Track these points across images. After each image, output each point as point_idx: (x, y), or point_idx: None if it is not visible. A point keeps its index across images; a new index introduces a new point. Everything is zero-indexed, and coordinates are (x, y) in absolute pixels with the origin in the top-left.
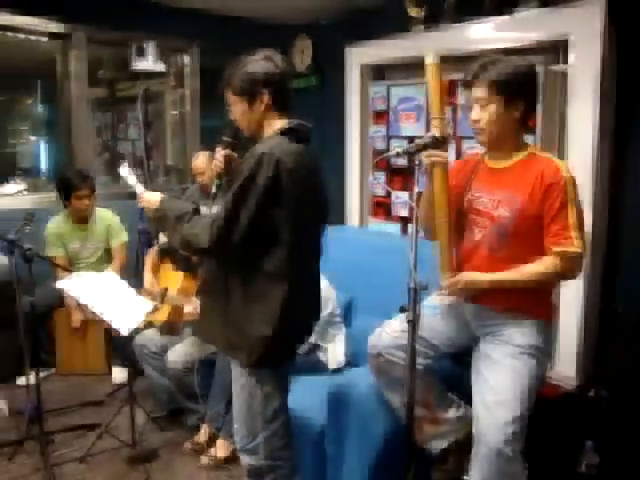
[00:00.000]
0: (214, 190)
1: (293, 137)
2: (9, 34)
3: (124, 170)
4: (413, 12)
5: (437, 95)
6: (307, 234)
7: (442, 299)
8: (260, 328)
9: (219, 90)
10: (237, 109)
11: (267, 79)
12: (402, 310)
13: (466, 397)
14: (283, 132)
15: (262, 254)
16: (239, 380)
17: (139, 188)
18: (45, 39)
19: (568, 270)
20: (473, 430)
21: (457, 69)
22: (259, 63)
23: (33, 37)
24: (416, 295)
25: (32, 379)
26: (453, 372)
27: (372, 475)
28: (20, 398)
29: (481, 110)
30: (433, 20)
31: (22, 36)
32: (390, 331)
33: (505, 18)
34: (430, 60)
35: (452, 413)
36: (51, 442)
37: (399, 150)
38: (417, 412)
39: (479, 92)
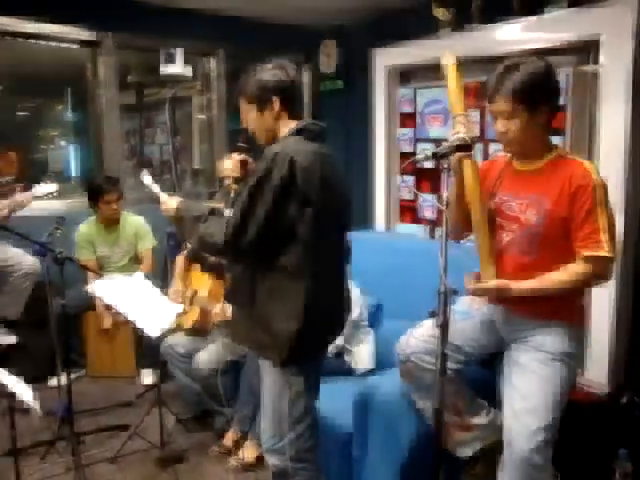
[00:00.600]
0: (232, 195)
1: (307, 136)
2: (41, 42)
3: (146, 178)
4: (440, 14)
5: (457, 94)
6: (325, 231)
7: (472, 304)
8: (285, 325)
9: (234, 97)
10: (249, 115)
11: (277, 86)
12: (432, 315)
13: (496, 402)
14: (296, 132)
15: (280, 252)
16: (268, 379)
17: (160, 193)
18: (76, 46)
19: (598, 274)
20: (503, 437)
21: (485, 71)
22: (271, 71)
23: (64, 44)
24: (446, 299)
25: (63, 380)
26: (483, 377)
27: (399, 479)
28: (51, 399)
29: (507, 121)
30: (460, 22)
31: (53, 44)
32: (419, 336)
33: (534, 19)
34: (448, 61)
35: (481, 419)
36: (82, 442)
37: (428, 153)
38: (446, 417)
39: (501, 106)
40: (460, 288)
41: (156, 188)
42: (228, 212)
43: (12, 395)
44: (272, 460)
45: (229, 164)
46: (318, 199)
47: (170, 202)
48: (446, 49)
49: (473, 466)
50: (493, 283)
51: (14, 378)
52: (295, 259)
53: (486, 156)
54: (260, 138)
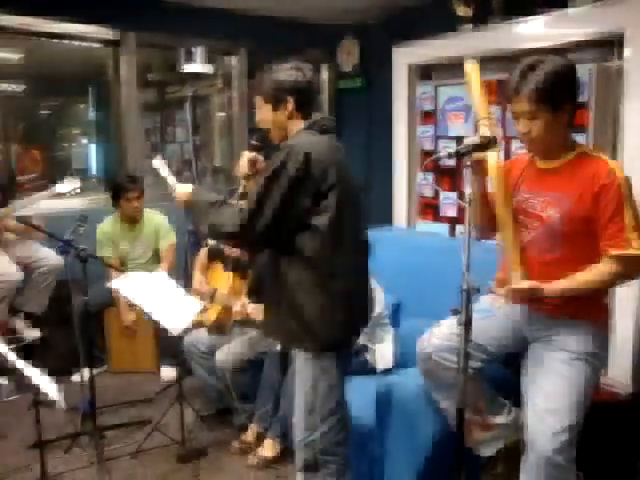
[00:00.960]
0: (241, 191)
1: (318, 129)
2: (64, 42)
3: (157, 162)
4: (461, 11)
5: (481, 98)
6: (342, 221)
7: (493, 302)
8: (315, 312)
9: (249, 94)
10: (263, 113)
11: (293, 87)
12: (454, 312)
13: (517, 401)
14: (308, 127)
15: (298, 243)
16: (302, 372)
17: (171, 180)
18: (98, 45)
19: (627, 273)
20: (524, 436)
21: (506, 68)
22: (288, 72)
23: (86, 44)
24: (469, 297)
25: (86, 375)
26: (504, 376)
27: (419, 477)
28: (74, 394)
29: (529, 121)
30: (481, 19)
31: (76, 43)
32: (440, 334)
33: (556, 14)
34: (470, 67)
35: (503, 418)
36: (104, 437)
37: (450, 151)
38: (467, 416)
39: (523, 106)
40: (482, 286)
41: (167, 173)
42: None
43: (37, 389)
44: (303, 454)
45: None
46: (333, 190)
47: (183, 189)
48: (467, 46)
49: (494, 466)
50: (526, 284)
51: (39, 372)
52: (314, 249)
53: (507, 153)
54: (273, 136)
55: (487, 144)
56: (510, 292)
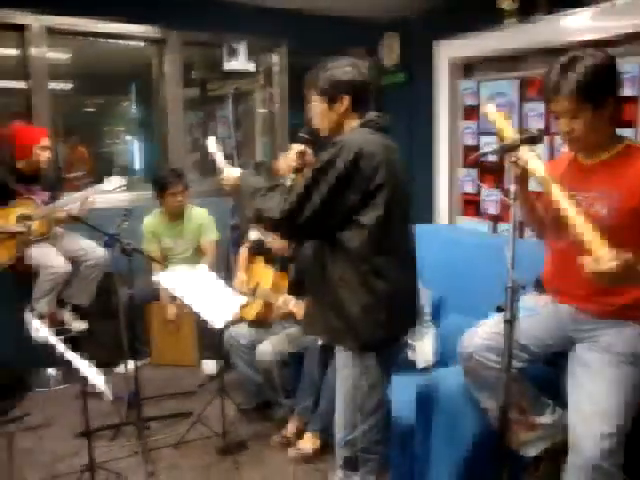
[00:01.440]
0: (288, 184)
1: (372, 128)
2: (110, 41)
3: (211, 143)
4: (505, 4)
5: (506, 127)
6: (390, 220)
7: (538, 300)
8: (359, 309)
9: (303, 88)
10: (317, 108)
11: (349, 85)
12: (499, 309)
13: (561, 402)
14: (362, 125)
15: (342, 238)
16: (344, 370)
17: (221, 161)
18: (142, 44)
19: None
20: (568, 439)
21: (552, 62)
22: (344, 69)
23: (131, 42)
24: (513, 294)
25: (130, 367)
26: (548, 376)
27: (460, 476)
28: (118, 385)
29: (570, 120)
30: (526, 12)
31: (121, 42)
32: (483, 333)
33: (603, 6)
34: (490, 111)
35: (547, 418)
36: (148, 427)
37: (495, 147)
38: (510, 416)
39: (564, 105)
40: (526, 283)
41: (219, 156)
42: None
43: (85, 379)
44: (343, 452)
45: (284, 162)
46: (383, 188)
47: (230, 172)
48: (511, 40)
49: (537, 467)
50: (623, 259)
51: (87, 363)
52: (359, 246)
53: (551, 150)
54: (324, 131)
55: (533, 139)
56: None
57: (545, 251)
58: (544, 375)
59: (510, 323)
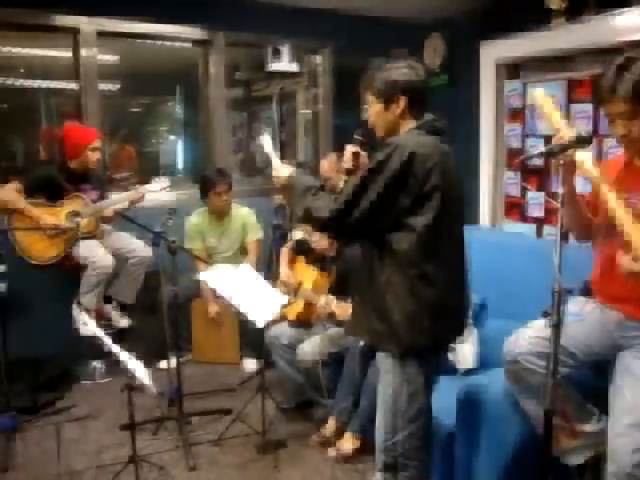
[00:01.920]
0: (342, 186)
1: (427, 130)
2: (157, 42)
3: (266, 139)
4: (554, 4)
5: (555, 117)
6: (441, 224)
7: (585, 305)
8: (403, 315)
9: (359, 89)
10: (374, 109)
11: (407, 86)
12: (545, 314)
13: (607, 410)
14: (418, 127)
15: (391, 241)
16: (386, 377)
17: (274, 158)
18: (188, 45)
19: None
20: (607, 447)
21: (602, 63)
22: (402, 70)
23: (177, 44)
24: (560, 299)
25: (172, 364)
26: (593, 383)
27: None
28: (160, 381)
29: (627, 122)
30: (575, 11)
31: (168, 43)
32: (528, 337)
33: None
34: (538, 95)
35: (591, 426)
36: (188, 423)
37: (543, 149)
38: (554, 422)
39: (620, 107)
40: (573, 288)
41: (272, 152)
42: None
43: (131, 374)
44: (383, 456)
45: (326, 164)
46: (435, 192)
47: (282, 170)
48: (560, 40)
49: (581, 476)
50: None
51: (134, 359)
52: (408, 250)
53: (600, 153)
54: (379, 132)
55: (582, 142)
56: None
57: (593, 255)
58: (590, 382)
59: (557, 328)
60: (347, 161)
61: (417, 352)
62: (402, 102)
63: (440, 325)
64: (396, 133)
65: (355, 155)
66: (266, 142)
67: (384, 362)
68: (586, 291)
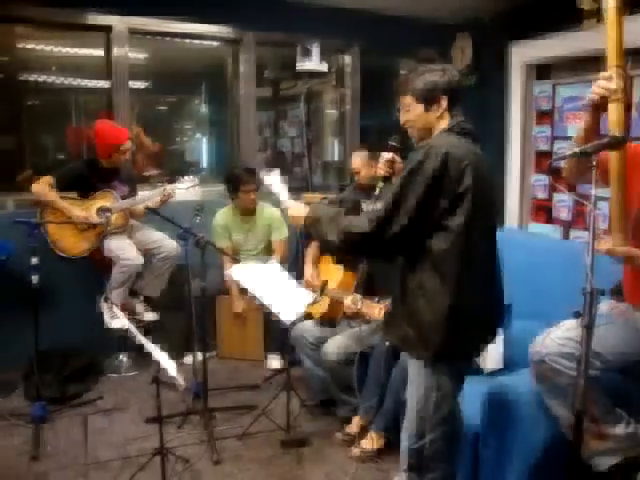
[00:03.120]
0: (377, 192)
1: (458, 132)
2: (186, 41)
3: (272, 177)
4: (585, 4)
5: (616, 43)
6: (476, 226)
7: (614, 308)
8: (433, 320)
9: (386, 89)
10: (414, 111)
11: (447, 87)
12: (576, 315)
13: (637, 414)
14: (449, 129)
15: (430, 244)
16: (416, 380)
17: (285, 198)
18: (215, 44)
19: None
20: None
21: (633, 63)
22: (438, 72)
23: (207, 42)
24: (592, 300)
25: (198, 359)
26: (622, 386)
27: None
28: (185, 375)
29: None
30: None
31: (197, 42)
32: (556, 337)
33: None
34: (609, 3)
35: (620, 429)
36: (213, 418)
37: (576, 150)
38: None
39: None
40: (604, 289)
41: (284, 193)
42: (365, 206)
43: (160, 367)
44: (409, 459)
45: (357, 161)
46: (470, 193)
47: (298, 212)
48: (591, 41)
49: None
50: (624, 249)
51: (164, 353)
52: (444, 251)
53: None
54: (415, 134)
55: (616, 144)
56: (607, 252)
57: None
58: (620, 386)
59: (589, 329)
60: (382, 167)
61: (446, 357)
62: (444, 102)
63: (470, 330)
64: (431, 135)
65: (390, 162)
66: (274, 181)
67: (414, 365)
68: (617, 293)
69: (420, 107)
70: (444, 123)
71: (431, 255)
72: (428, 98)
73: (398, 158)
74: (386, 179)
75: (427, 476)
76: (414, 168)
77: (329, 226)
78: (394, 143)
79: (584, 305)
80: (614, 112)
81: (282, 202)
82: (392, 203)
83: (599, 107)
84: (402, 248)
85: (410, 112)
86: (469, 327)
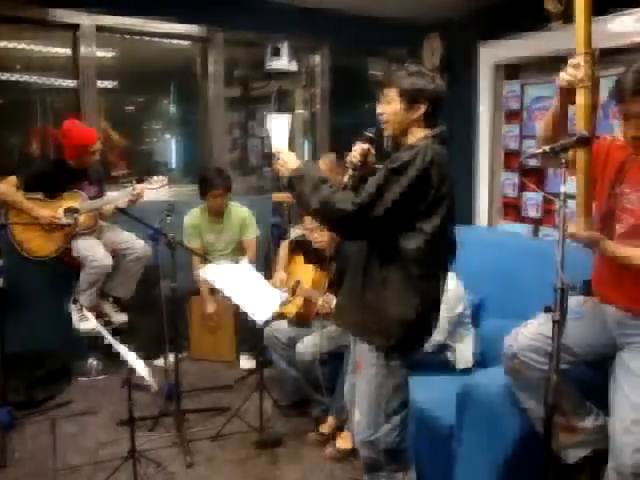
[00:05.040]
0: (345, 180)
1: (439, 140)
2: (155, 39)
3: (281, 121)
4: (550, 6)
5: (584, 29)
6: (444, 227)
7: (584, 303)
8: (398, 312)
9: (356, 89)
10: (394, 106)
11: (430, 95)
12: (547, 310)
13: (605, 407)
14: (434, 136)
15: (401, 240)
16: (369, 370)
17: (280, 144)
18: (185, 43)
19: None
20: (609, 445)
21: (601, 65)
22: (427, 78)
23: (175, 41)
24: (563, 295)
25: (169, 361)
26: (591, 380)
27: (501, 478)
28: (157, 377)
29: None
30: (573, 14)
31: (166, 41)
32: (527, 333)
33: None
34: None
35: (589, 422)
36: (186, 419)
37: (545, 148)
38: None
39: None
40: (575, 285)
41: (281, 135)
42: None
43: (131, 370)
44: (365, 452)
45: (323, 164)
46: (446, 199)
47: (290, 159)
48: (557, 43)
49: (578, 474)
50: (587, 234)
51: (134, 355)
52: (415, 251)
53: None
54: (389, 128)
55: (582, 142)
56: (572, 236)
57: (593, 254)
58: (588, 379)
59: (559, 324)
60: (356, 156)
61: (404, 347)
62: (421, 109)
63: (428, 323)
64: (404, 137)
65: (364, 152)
66: (279, 124)
67: (367, 355)
68: (587, 290)
69: (401, 104)
70: (421, 129)
71: (400, 254)
72: (411, 99)
73: (373, 150)
74: (356, 168)
75: (386, 469)
76: (399, 167)
77: (312, 188)
78: (370, 134)
79: (555, 301)
80: (582, 98)
81: (274, 145)
82: (378, 188)
83: (569, 92)
84: (377, 234)
85: (391, 105)
86: (427, 321)
